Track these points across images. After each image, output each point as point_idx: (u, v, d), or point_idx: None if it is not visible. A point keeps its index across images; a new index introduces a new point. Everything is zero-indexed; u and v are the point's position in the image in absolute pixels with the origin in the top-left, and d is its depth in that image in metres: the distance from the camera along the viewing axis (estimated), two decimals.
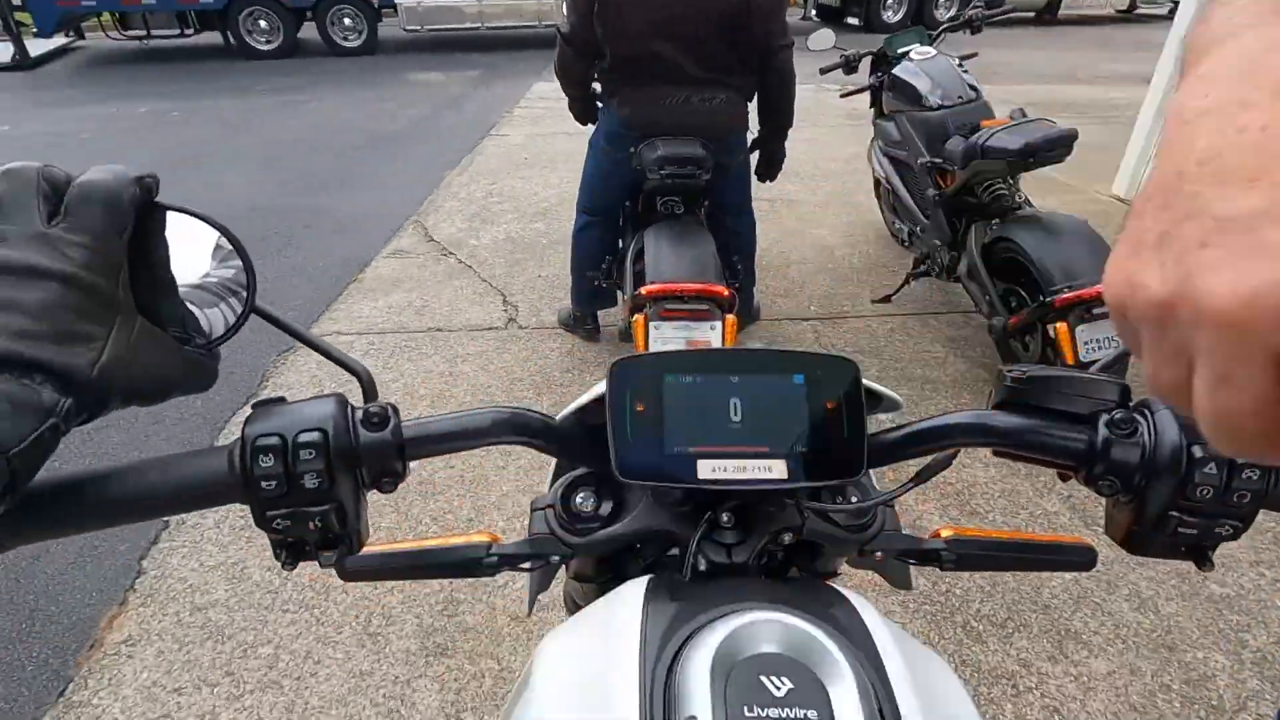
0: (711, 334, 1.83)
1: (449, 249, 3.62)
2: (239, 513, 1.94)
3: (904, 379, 2.52)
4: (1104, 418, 0.44)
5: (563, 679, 0.40)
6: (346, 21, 9.41)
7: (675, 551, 0.57)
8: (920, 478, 0.51)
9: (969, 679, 1.51)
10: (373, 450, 0.43)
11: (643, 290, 1.86)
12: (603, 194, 2.39)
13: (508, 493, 2.01)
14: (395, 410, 0.45)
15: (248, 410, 0.43)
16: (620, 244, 2.52)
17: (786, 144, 2.44)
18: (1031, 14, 11.67)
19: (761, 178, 2.46)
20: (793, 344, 2.75)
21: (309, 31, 9.60)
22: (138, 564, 1.79)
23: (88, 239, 0.35)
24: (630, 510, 0.54)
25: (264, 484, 0.40)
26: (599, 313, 2.75)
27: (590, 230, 2.46)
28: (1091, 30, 11.04)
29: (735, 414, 0.47)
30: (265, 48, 9.27)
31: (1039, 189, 4.15)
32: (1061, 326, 1.96)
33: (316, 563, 0.44)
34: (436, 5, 9.44)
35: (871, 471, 0.61)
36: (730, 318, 1.88)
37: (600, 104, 2.31)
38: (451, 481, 2.05)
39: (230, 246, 0.47)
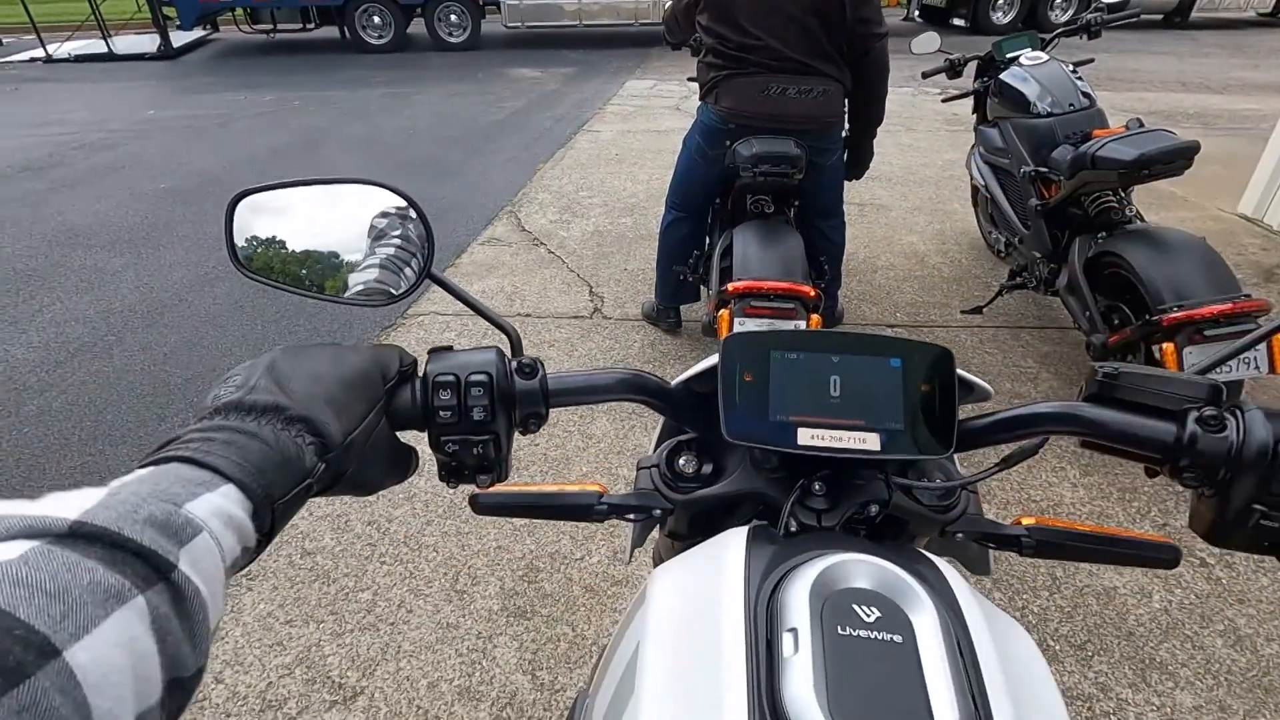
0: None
1: (540, 239, 3.76)
2: None
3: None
4: (1193, 414, 0.47)
5: (675, 601, 0.46)
6: (453, 18, 9.83)
7: (766, 520, 0.63)
8: (1007, 463, 0.55)
9: None
10: (525, 394, 0.51)
11: (729, 286, 1.90)
12: (694, 190, 2.44)
13: (587, 473, 2.10)
14: (542, 364, 0.53)
15: None
16: (708, 241, 2.57)
17: (880, 148, 2.42)
18: (1160, 17, 10.89)
19: (849, 176, 2.45)
20: (963, 370, 2.72)
21: (417, 27, 10.10)
22: None
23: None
24: (729, 474, 0.60)
25: (441, 413, 0.49)
26: (682, 307, 2.81)
27: (679, 226, 2.52)
28: (1227, 34, 10.20)
29: (834, 389, 0.52)
30: (377, 42, 9.80)
31: (1154, 204, 3.92)
32: (1168, 347, 1.87)
33: (474, 485, 0.52)
34: (538, 3, 9.72)
35: (957, 459, 0.65)
36: (815, 317, 1.90)
37: (699, 100, 2.36)
38: (535, 459, 2.16)
39: (413, 214, 0.56)
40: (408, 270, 0.57)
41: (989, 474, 0.57)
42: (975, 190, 3.21)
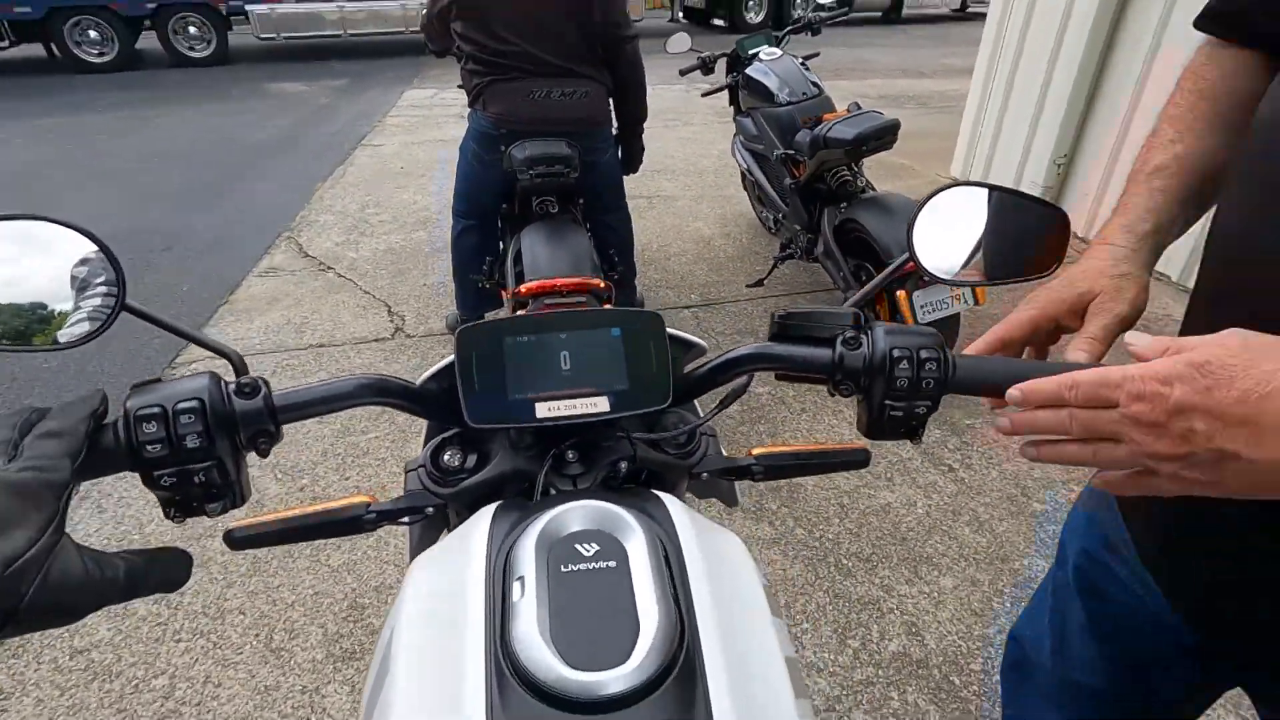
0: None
1: (327, 263, 3.53)
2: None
3: None
4: (840, 337, 0.58)
5: (427, 580, 0.49)
6: (192, 30, 8.81)
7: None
8: (724, 403, 0.64)
9: (842, 609, 1.70)
10: (247, 415, 0.50)
11: (521, 288, 1.93)
12: (477, 197, 2.44)
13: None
14: (266, 383, 0.52)
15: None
16: (501, 245, 2.58)
17: (662, 143, 2.59)
18: (879, 13, 12.62)
19: (625, 171, 2.58)
20: (675, 329, 2.90)
21: (150, 42, 8.91)
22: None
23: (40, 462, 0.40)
24: (492, 460, 0.63)
25: (149, 448, 0.47)
26: (487, 315, 2.79)
27: (468, 234, 2.51)
28: (932, 27, 12.08)
29: (565, 364, 0.57)
30: (98, 60, 8.50)
31: (889, 173, 4.57)
32: (901, 294, 2.21)
33: (204, 515, 0.50)
34: (293, 12, 9.00)
35: (699, 408, 0.73)
36: (609, 308, 1.99)
37: (468, 108, 2.36)
38: (348, 492, 2.05)
39: (100, 253, 0.53)
40: (102, 307, 0.53)
41: (712, 415, 0.66)
42: (743, 175, 3.53)
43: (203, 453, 0.48)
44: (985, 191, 0.69)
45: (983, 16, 4.49)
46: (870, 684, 1.53)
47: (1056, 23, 3.66)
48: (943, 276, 0.68)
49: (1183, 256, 3.31)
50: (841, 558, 1.84)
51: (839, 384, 0.58)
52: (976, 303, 2.29)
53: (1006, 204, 0.70)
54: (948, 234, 0.71)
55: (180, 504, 0.50)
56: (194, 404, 0.48)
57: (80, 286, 0.52)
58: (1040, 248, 0.69)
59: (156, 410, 0.47)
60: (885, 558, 1.83)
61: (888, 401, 0.56)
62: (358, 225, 3.99)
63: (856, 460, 0.71)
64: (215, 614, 1.68)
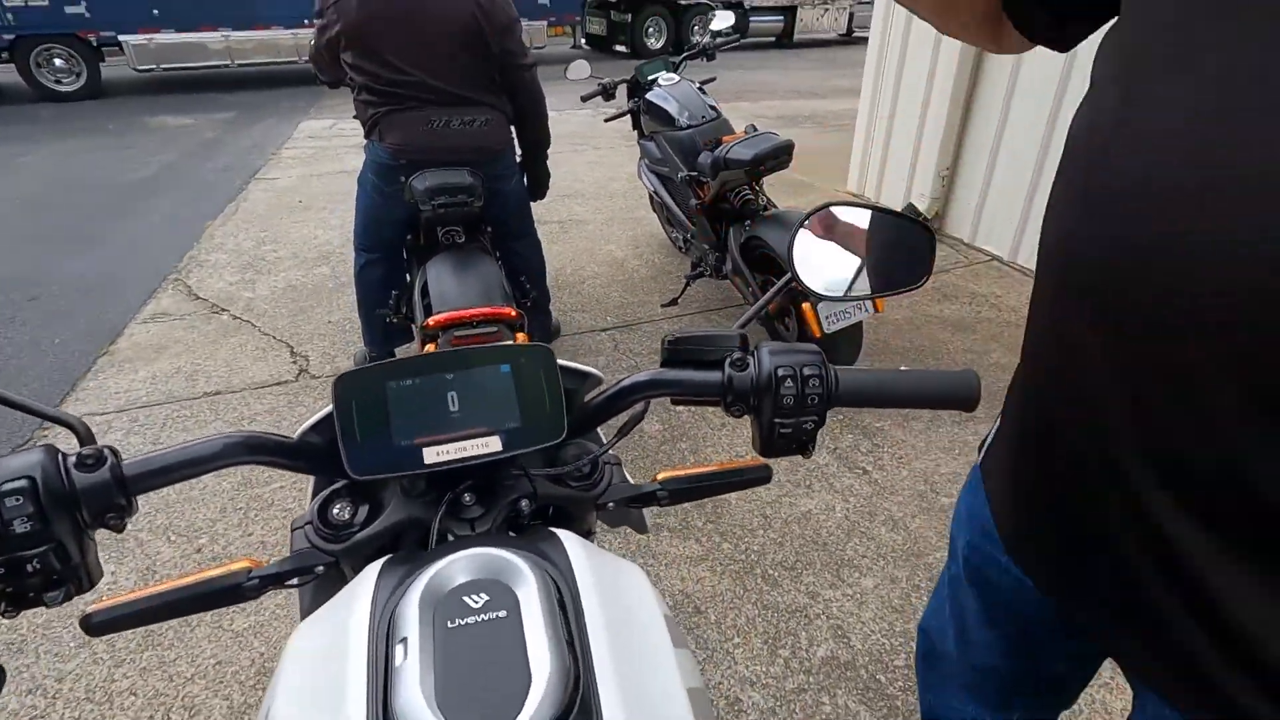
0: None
1: (220, 305, 3.33)
2: None
3: None
4: (727, 360, 0.59)
5: (307, 650, 0.45)
6: (58, 63, 8.19)
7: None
8: (622, 431, 0.63)
9: (771, 620, 1.72)
10: (91, 490, 0.46)
11: (430, 320, 1.88)
12: (379, 230, 2.36)
13: None
14: (114, 451, 0.48)
15: None
16: (408, 278, 2.50)
17: (571, 167, 2.60)
18: (773, 39, 13.22)
19: (533, 197, 2.58)
20: (593, 354, 2.90)
21: (7, 75, 8.22)
22: None
23: None
24: (385, 510, 0.60)
25: None
26: (397, 350, 2.70)
27: (372, 268, 2.42)
28: (821, 51, 12.75)
29: (454, 405, 0.55)
30: None
31: (791, 190, 4.75)
32: (806, 306, 2.29)
33: (43, 606, 0.45)
34: (174, 42, 8.52)
35: (603, 436, 0.73)
36: (521, 336, 1.96)
37: (365, 139, 2.29)
38: (252, 549, 1.91)
39: None
40: None
41: (611, 444, 0.65)
42: (650, 197, 3.59)
43: (35, 537, 0.43)
44: (859, 211, 0.72)
45: (865, 40, 4.77)
46: (802, 691, 1.55)
47: (931, 41, 3.93)
48: (824, 294, 0.70)
49: (1008, 238, 3.63)
50: (768, 568, 1.86)
51: (730, 405, 0.59)
52: (876, 310, 2.40)
53: (879, 222, 0.74)
54: (829, 252, 0.74)
55: (12, 596, 0.45)
56: (22, 484, 0.43)
57: None
58: (912, 260, 0.73)
59: None
60: (809, 564, 1.88)
61: (776, 420, 0.58)
62: (253, 263, 3.78)
63: (759, 477, 0.72)
64: (102, 698, 1.53)
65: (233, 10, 8.58)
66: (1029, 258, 3.64)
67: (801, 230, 0.71)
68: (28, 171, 5.52)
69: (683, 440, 2.37)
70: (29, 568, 0.43)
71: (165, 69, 8.71)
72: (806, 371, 0.58)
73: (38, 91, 8.15)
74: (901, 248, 0.76)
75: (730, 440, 2.37)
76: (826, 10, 13.51)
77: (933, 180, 4.08)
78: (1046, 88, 3.33)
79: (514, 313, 1.97)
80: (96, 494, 0.46)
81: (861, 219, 0.75)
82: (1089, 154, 0.52)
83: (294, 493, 2.11)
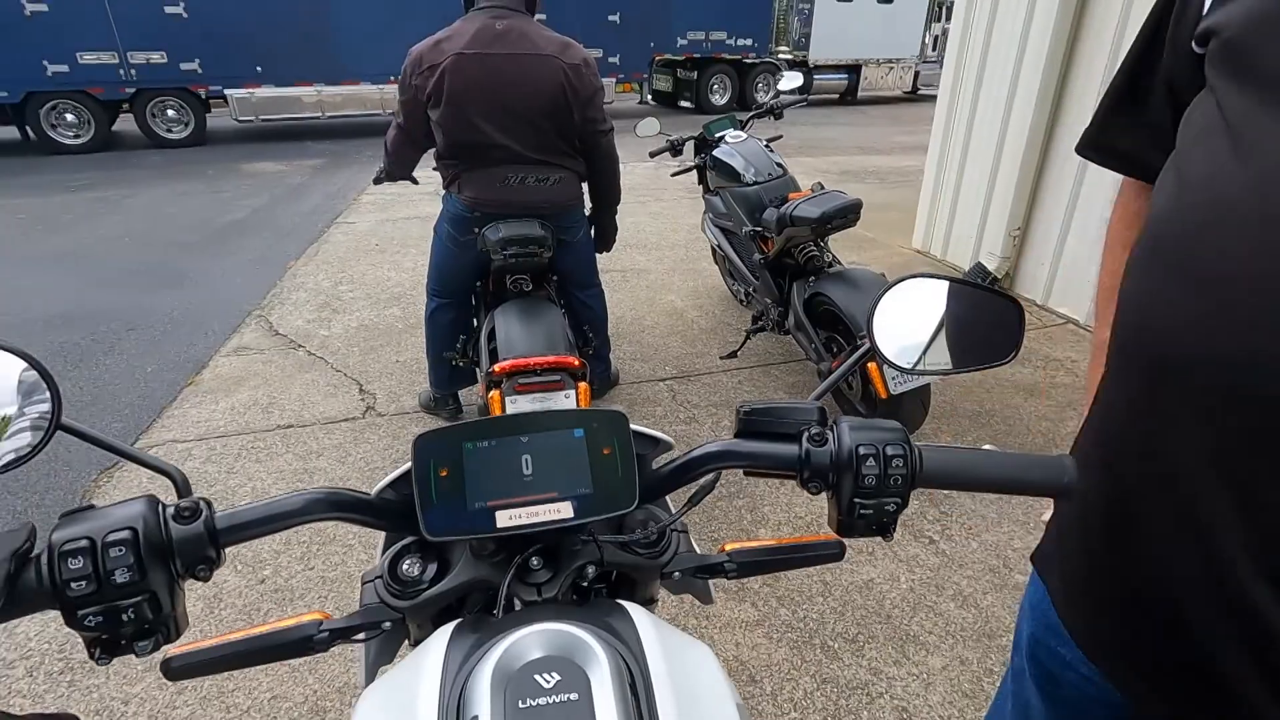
0: (566, 403, 1.92)
1: (297, 341, 3.49)
2: (56, 656, 1.73)
3: None
4: (805, 434, 0.58)
5: (377, 718, 0.45)
6: (170, 113, 8.97)
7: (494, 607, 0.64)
8: (692, 502, 0.62)
9: (830, 695, 1.63)
10: (186, 542, 0.47)
11: (495, 368, 1.92)
12: (451, 276, 2.45)
13: None
14: (209, 504, 0.50)
15: None
16: (475, 323, 2.58)
17: (635, 218, 2.65)
18: (836, 96, 13.36)
19: (599, 249, 2.63)
20: (650, 404, 2.90)
21: (126, 124, 9.03)
22: None
23: None
24: (453, 569, 0.60)
25: (73, 585, 0.43)
26: (461, 392, 2.76)
27: (442, 312, 2.51)
28: (886, 108, 12.80)
29: (527, 468, 0.55)
30: (73, 142, 8.57)
31: (855, 246, 4.72)
32: (872, 365, 2.24)
33: (134, 654, 0.47)
34: (272, 96, 9.23)
35: (671, 503, 0.72)
36: (583, 385, 1.98)
37: (443, 191, 2.40)
38: (312, 584, 1.95)
39: (34, 371, 0.50)
40: (37, 425, 0.50)
41: (680, 515, 0.64)
42: (713, 250, 3.62)
43: (133, 587, 0.45)
44: (942, 283, 0.71)
45: (933, 98, 4.76)
46: None
47: (1003, 102, 3.90)
48: (903, 366, 0.68)
49: (1085, 301, 3.50)
50: (827, 639, 1.78)
51: (807, 481, 0.57)
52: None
53: (962, 295, 0.72)
54: (907, 323, 0.72)
55: (106, 644, 0.46)
56: (125, 534, 0.45)
57: (14, 407, 0.50)
58: (998, 335, 0.70)
59: (84, 544, 0.44)
60: (871, 637, 1.79)
61: (857, 500, 0.56)
62: (330, 302, 3.97)
63: (831, 554, 0.69)
64: None
65: (325, 67, 9.26)
66: None
67: (882, 301, 0.70)
68: (134, 212, 6.00)
69: (740, 497, 2.32)
70: (124, 616, 0.45)
71: (263, 119, 9.41)
72: (890, 451, 0.56)
73: (150, 139, 8.93)
74: (985, 321, 0.74)
75: (790, 500, 2.31)
76: (892, 69, 13.61)
77: (1003, 239, 3.98)
78: None
79: (577, 362, 1.99)
80: (190, 546, 0.48)
81: (942, 290, 0.73)
82: (1197, 231, 0.50)
83: (355, 530, 2.15)
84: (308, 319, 3.75)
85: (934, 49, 13.69)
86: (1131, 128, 0.73)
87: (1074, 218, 3.63)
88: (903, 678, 1.67)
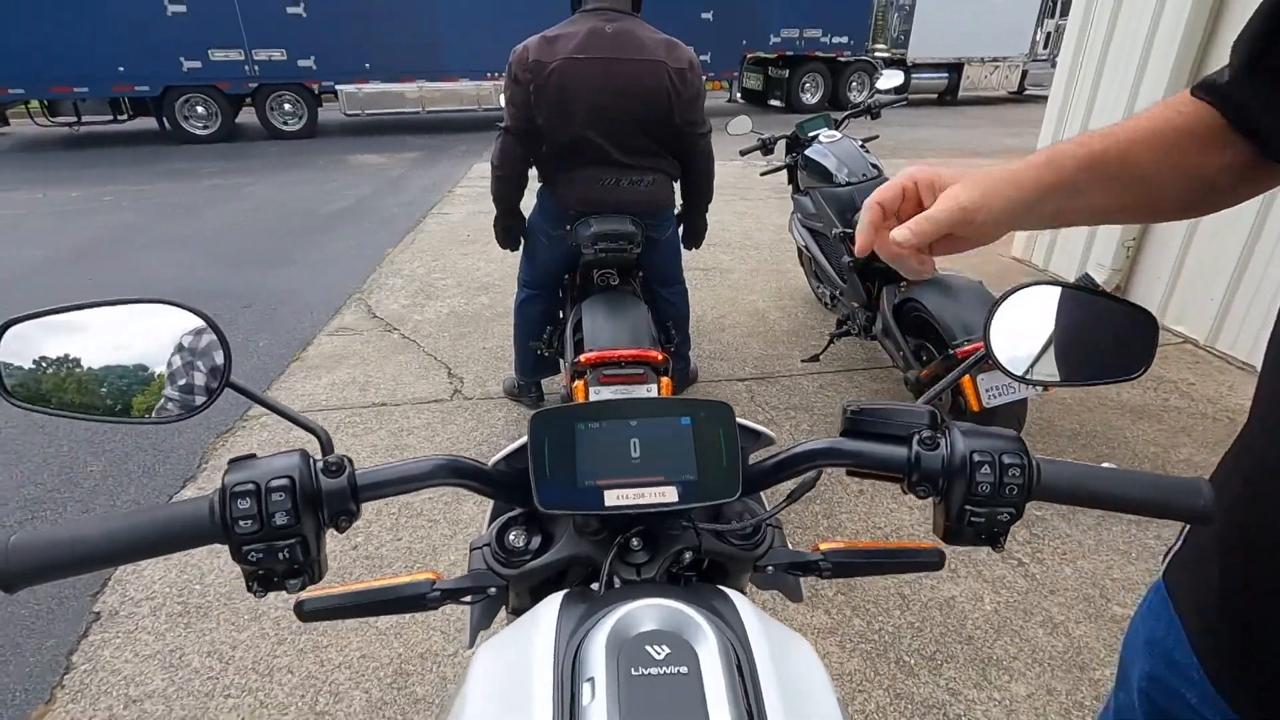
0: (648, 396, 1.95)
1: (393, 325, 3.68)
2: (176, 599, 1.90)
3: (834, 432, 2.68)
4: (916, 437, 0.57)
5: (492, 672, 0.48)
6: (286, 107, 9.60)
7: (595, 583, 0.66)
8: (792, 497, 0.63)
9: (904, 711, 1.59)
10: (332, 493, 0.52)
11: (581, 358, 1.97)
12: (542, 268, 2.52)
13: (456, 561, 2.03)
14: (350, 461, 0.54)
15: (187, 492, 0.52)
16: (561, 315, 2.64)
17: (720, 217, 2.63)
18: (935, 96, 12.83)
19: (688, 246, 2.64)
20: (744, 419, 2.89)
21: (248, 116, 9.74)
22: (66, 659, 1.73)
23: None
24: (557, 543, 0.63)
25: (241, 523, 0.49)
26: (543, 381, 2.84)
27: (532, 303, 2.58)
28: (988, 109, 12.19)
29: (635, 451, 0.57)
30: (202, 132, 9.33)
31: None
32: (965, 377, 2.15)
33: (284, 591, 0.52)
34: (378, 91, 9.75)
35: (765, 498, 0.72)
36: (665, 379, 2.00)
37: (540, 184, 2.46)
38: (399, 554, 2.06)
39: (211, 332, 0.56)
40: (209, 382, 0.56)
41: (778, 509, 0.64)
42: (800, 251, 3.56)
43: (289, 530, 0.50)
44: (1063, 291, 0.67)
45: (1039, 99, 4.51)
46: None
47: (1124, 101, 3.64)
48: (1019, 374, 0.66)
49: (1206, 319, 3.24)
50: (903, 654, 1.73)
51: (915, 485, 0.57)
52: (1044, 389, 2.21)
53: (1087, 304, 0.68)
54: (1024, 332, 0.69)
55: (263, 579, 0.51)
56: (285, 482, 0.50)
57: (189, 364, 0.56)
58: (1123, 348, 0.66)
59: (250, 487, 0.49)
60: (950, 657, 1.72)
61: (968, 507, 0.54)
62: (424, 289, 4.16)
63: (930, 562, 0.68)
64: (264, 671, 1.69)
65: (427, 64, 9.69)
66: (1232, 344, 3.21)
67: (1001, 306, 0.68)
68: (253, 198, 6.47)
69: (816, 502, 2.28)
70: (280, 555, 0.50)
71: (369, 114, 9.96)
72: (1006, 459, 0.55)
73: (268, 130, 9.60)
74: (1110, 334, 0.70)
75: (869, 509, 2.25)
76: (996, 68, 12.95)
77: (1115, 250, 3.73)
78: None
79: (660, 356, 2.01)
80: (335, 498, 0.53)
81: (1066, 299, 0.70)
82: None
83: (440, 505, 2.26)
84: (403, 304, 3.95)
85: (1044, 46, 12.92)
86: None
87: (1198, 230, 3.36)
88: (983, 702, 1.61)
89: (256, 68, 9.17)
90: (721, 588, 0.55)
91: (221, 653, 1.74)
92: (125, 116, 9.69)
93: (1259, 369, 0.62)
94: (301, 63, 9.30)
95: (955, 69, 12.64)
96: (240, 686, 1.65)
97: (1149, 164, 0.60)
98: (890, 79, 3.28)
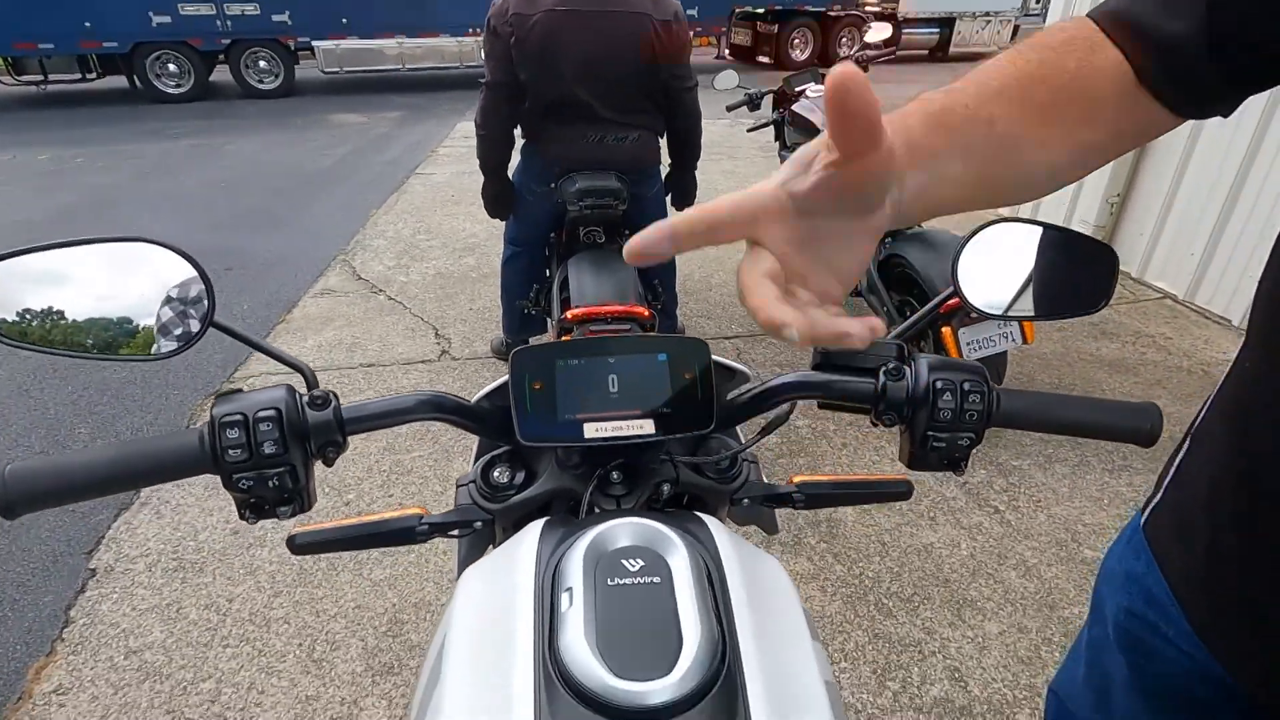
0: (626, 335, 1.96)
1: (378, 286, 3.65)
2: (170, 555, 1.93)
3: None
4: (883, 369, 0.59)
5: (478, 592, 0.51)
6: (262, 64, 9.32)
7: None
8: (765, 430, 0.65)
9: (882, 650, 1.66)
10: (318, 425, 0.54)
11: (567, 314, 1.97)
12: (528, 225, 2.51)
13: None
14: (336, 396, 0.56)
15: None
16: (547, 273, 2.64)
17: (708, 176, 2.60)
18: (925, 52, 12.65)
19: (677, 206, 2.63)
20: (720, 356, 2.92)
21: (222, 75, 9.45)
22: (64, 614, 1.76)
23: None
24: (540, 478, 0.66)
25: (230, 452, 0.51)
26: (531, 339, 2.85)
27: (517, 260, 2.58)
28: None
29: (614, 387, 0.59)
30: (175, 91, 9.05)
31: None
32: (946, 330, 2.18)
33: (275, 518, 0.54)
34: (356, 48, 9.47)
35: (741, 434, 0.75)
36: (656, 334, 2.02)
37: (524, 140, 2.43)
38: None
39: (194, 271, 0.57)
40: (193, 322, 0.58)
41: (753, 442, 0.67)
42: None
43: (278, 459, 0.52)
44: (1031, 228, 0.69)
45: None
46: None
47: None
48: (988, 311, 0.68)
49: (1185, 275, 3.33)
50: (881, 597, 1.80)
51: (882, 414, 0.59)
52: (1025, 341, 2.25)
53: (1053, 240, 0.70)
54: (993, 270, 0.71)
55: (254, 506, 0.54)
56: (272, 413, 0.52)
57: (173, 304, 0.57)
58: (1087, 284, 0.68)
59: (238, 418, 0.51)
60: (927, 599, 1.79)
61: (930, 432, 0.57)
62: (409, 250, 4.12)
63: (898, 492, 0.71)
64: (261, 622, 1.73)
65: (407, 19, 9.40)
66: (1210, 299, 3.27)
67: (968, 245, 0.69)
68: (232, 158, 6.32)
69: (801, 455, 2.33)
70: (270, 483, 0.52)
71: (348, 71, 9.68)
72: (967, 386, 0.57)
73: (244, 89, 9.33)
74: (1076, 269, 0.72)
75: (851, 461, 2.30)
76: (989, 22, 12.76)
77: (1099, 207, 3.75)
78: (1248, 115, 2.98)
79: (647, 312, 2.02)
80: (322, 429, 0.55)
81: (1032, 236, 0.71)
82: None
83: (430, 461, 2.29)
84: (388, 265, 3.92)
85: (1036, 1, 12.72)
86: None
87: (1181, 187, 3.38)
88: (956, 640, 1.68)
89: (229, 23, 8.87)
90: (697, 514, 0.57)
91: (218, 605, 1.78)
92: (94, 75, 9.36)
93: (1235, 322, 0.62)
94: (276, 18, 9.00)
95: (947, 24, 12.44)
96: (239, 636, 1.69)
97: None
98: (878, 32, 3.23)
